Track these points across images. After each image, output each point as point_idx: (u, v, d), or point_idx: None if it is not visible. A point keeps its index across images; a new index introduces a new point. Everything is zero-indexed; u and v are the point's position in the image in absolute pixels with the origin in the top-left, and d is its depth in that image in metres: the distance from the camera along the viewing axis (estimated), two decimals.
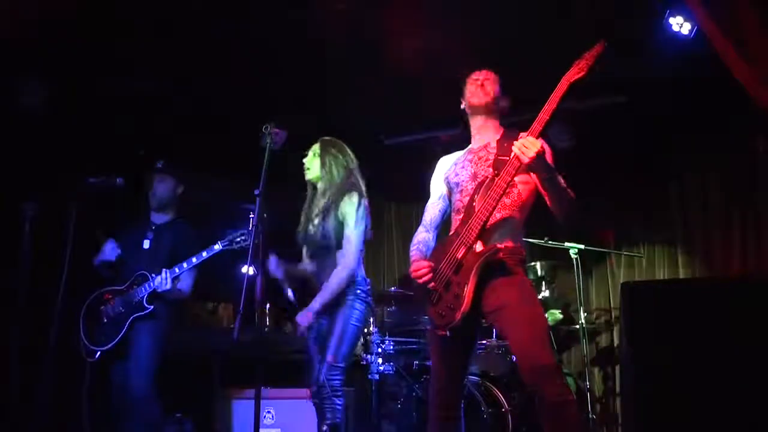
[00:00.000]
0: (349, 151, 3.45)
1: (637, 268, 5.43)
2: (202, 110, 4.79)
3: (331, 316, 3.22)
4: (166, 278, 3.51)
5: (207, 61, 4.28)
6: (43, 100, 4.14)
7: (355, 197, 3.27)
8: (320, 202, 3.33)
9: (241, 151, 3.55)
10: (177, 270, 3.53)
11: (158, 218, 3.85)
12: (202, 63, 4.29)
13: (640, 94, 4.80)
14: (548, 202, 2.60)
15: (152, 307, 3.52)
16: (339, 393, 3.11)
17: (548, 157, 2.60)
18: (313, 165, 3.42)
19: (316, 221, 3.29)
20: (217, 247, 3.48)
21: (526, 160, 2.43)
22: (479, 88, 2.73)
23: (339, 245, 3.23)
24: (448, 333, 2.55)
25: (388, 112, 5.20)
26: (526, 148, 2.42)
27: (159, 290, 3.51)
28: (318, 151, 3.42)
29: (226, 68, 4.41)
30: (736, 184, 5.01)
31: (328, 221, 3.24)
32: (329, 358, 3.12)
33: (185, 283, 3.68)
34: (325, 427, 3.09)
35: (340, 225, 3.24)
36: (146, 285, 3.55)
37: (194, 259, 3.52)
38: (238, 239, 3.45)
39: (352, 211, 3.24)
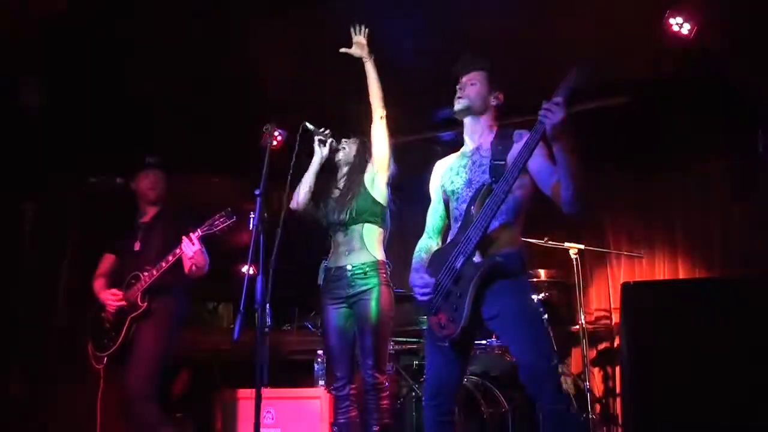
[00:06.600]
0: None
1: (637, 268, 5.42)
2: (201, 110, 4.78)
3: None
4: (153, 274, 3.49)
5: (207, 60, 4.27)
6: (43, 98, 4.13)
7: None
8: None
9: (241, 151, 3.55)
10: (163, 264, 3.50)
11: (146, 214, 3.80)
12: (202, 63, 4.29)
13: (641, 94, 4.79)
14: (561, 177, 2.39)
15: (145, 304, 3.51)
16: None
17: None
18: None
19: None
20: (198, 234, 3.43)
21: (553, 121, 2.28)
22: (457, 93, 2.69)
23: None
24: (447, 344, 2.53)
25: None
26: (552, 113, 2.28)
27: (151, 286, 3.50)
28: None
29: (226, 68, 4.40)
30: (736, 184, 5.00)
31: None
32: None
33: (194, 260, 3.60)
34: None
35: None
36: (138, 284, 3.53)
37: (177, 250, 3.46)
38: (218, 222, 3.41)
39: None
